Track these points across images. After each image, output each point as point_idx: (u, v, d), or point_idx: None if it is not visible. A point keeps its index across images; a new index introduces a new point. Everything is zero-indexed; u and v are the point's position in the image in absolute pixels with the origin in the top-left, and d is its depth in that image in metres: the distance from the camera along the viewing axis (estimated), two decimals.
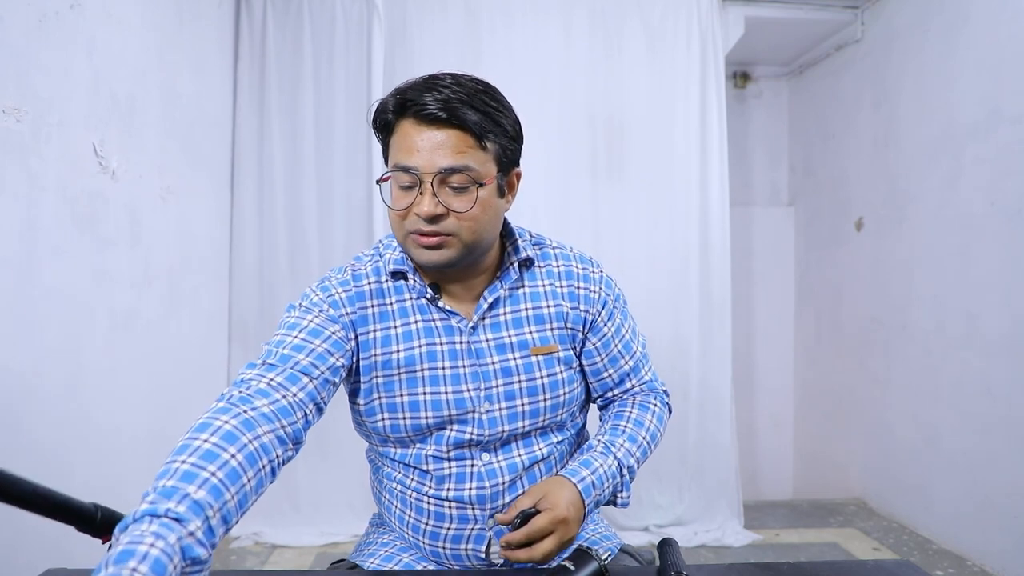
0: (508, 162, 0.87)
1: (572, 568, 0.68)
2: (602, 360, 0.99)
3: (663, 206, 2.77)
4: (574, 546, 0.75)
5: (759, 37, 3.18)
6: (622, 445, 0.93)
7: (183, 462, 0.65)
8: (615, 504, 0.93)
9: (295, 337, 0.85)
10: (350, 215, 2.67)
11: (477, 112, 0.81)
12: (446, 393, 0.89)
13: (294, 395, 0.79)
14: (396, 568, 0.95)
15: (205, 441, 0.68)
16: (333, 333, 0.87)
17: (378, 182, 0.89)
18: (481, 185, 0.83)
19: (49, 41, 1.51)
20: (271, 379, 0.79)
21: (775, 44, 3.39)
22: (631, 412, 0.99)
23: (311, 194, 2.67)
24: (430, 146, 0.80)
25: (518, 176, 0.92)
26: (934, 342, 2.63)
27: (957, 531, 2.49)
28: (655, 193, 2.77)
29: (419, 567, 0.95)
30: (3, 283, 1.38)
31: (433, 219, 0.81)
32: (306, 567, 2.38)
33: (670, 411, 1.05)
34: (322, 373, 0.83)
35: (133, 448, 1.91)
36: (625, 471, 0.91)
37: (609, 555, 0.98)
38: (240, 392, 0.76)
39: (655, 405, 1.02)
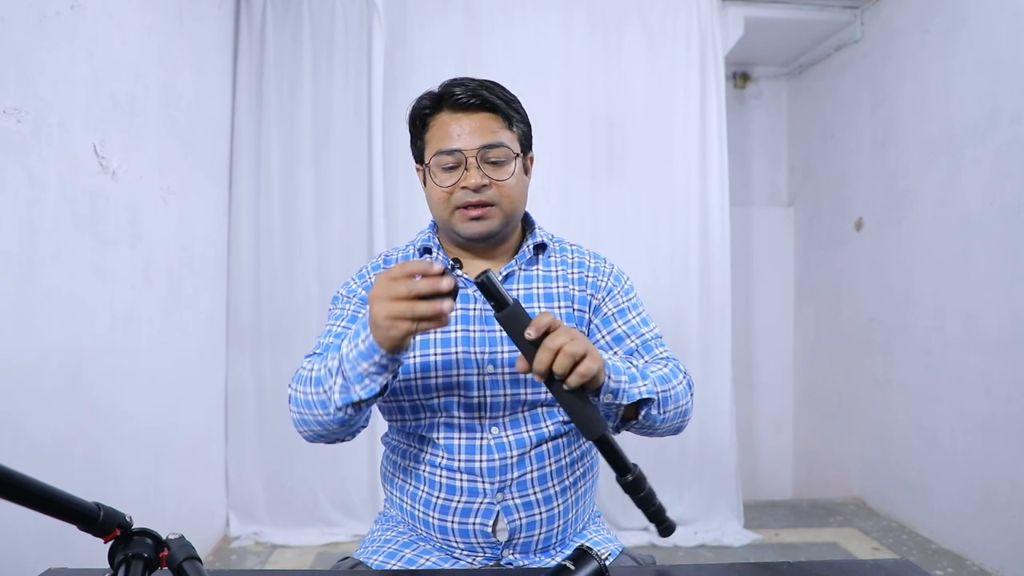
0: (526, 145, 1.02)
1: (572, 568, 0.68)
2: (604, 338, 1.02)
3: (663, 206, 2.78)
4: (575, 546, 0.75)
5: (759, 37, 3.18)
6: (635, 365, 0.91)
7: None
8: (615, 398, 0.84)
9: (338, 326, 0.98)
10: (348, 216, 2.67)
11: (500, 100, 0.97)
12: (456, 352, 0.96)
13: None
14: (397, 565, 0.96)
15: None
16: (367, 315, 0.96)
17: (422, 168, 1.01)
18: (517, 155, 0.98)
19: (49, 41, 1.51)
20: None
21: (775, 44, 3.40)
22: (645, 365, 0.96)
23: (308, 195, 2.67)
24: (469, 129, 0.95)
25: (531, 160, 1.05)
26: (934, 342, 2.63)
27: (956, 530, 2.50)
28: (655, 193, 2.78)
29: (421, 560, 0.97)
30: (3, 283, 1.39)
31: (478, 189, 0.94)
32: (306, 567, 2.38)
33: (691, 386, 0.98)
34: None
35: (133, 447, 1.91)
36: (637, 385, 0.86)
37: (610, 556, 0.99)
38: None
39: (669, 367, 0.97)
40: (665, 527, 0.79)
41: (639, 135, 2.78)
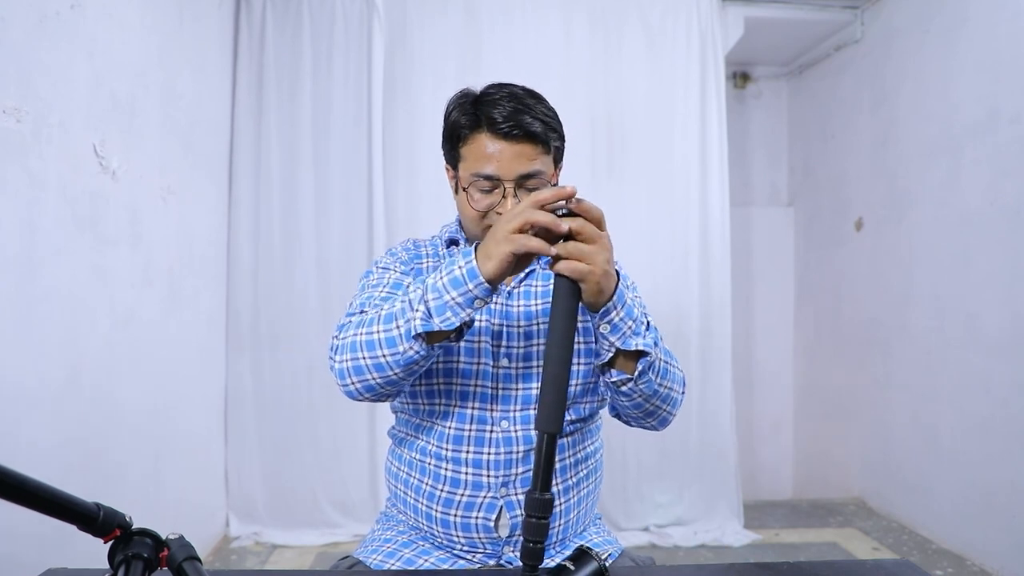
0: (558, 159, 1.03)
1: (572, 568, 0.68)
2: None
3: (663, 206, 2.78)
4: (574, 547, 0.75)
5: (759, 37, 3.18)
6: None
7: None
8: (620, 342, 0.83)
9: (382, 290, 0.98)
10: (348, 216, 2.67)
11: (539, 122, 0.94)
12: (479, 342, 0.98)
13: None
14: (396, 564, 0.96)
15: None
16: (409, 284, 1.01)
17: (454, 175, 1.02)
18: (551, 180, 0.99)
19: (49, 41, 1.51)
20: None
21: (775, 44, 3.40)
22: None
23: (308, 195, 2.67)
24: (508, 156, 0.93)
25: (559, 169, 1.05)
26: (934, 342, 2.63)
27: (956, 530, 2.50)
28: (655, 193, 2.78)
29: (420, 561, 0.97)
30: (3, 283, 1.39)
31: None
32: (306, 567, 2.38)
33: (684, 384, 0.98)
34: None
35: (133, 447, 1.91)
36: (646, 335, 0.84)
37: (609, 557, 0.99)
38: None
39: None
40: (531, 569, 0.69)
41: (639, 135, 2.78)
